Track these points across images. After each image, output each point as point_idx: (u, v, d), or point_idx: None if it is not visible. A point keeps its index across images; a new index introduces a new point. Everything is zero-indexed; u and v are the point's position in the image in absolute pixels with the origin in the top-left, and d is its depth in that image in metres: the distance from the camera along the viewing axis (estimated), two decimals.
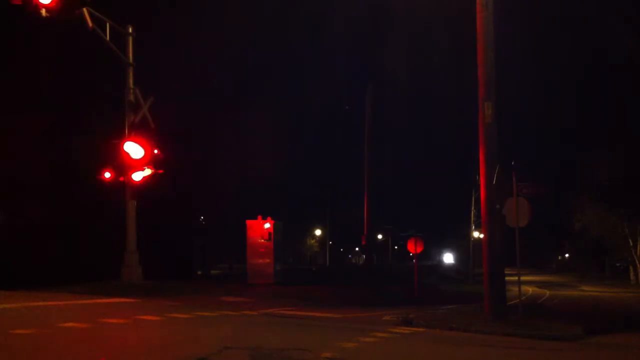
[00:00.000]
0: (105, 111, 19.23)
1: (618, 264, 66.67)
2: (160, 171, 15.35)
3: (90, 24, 14.44)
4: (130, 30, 16.82)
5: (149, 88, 17.34)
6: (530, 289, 41.85)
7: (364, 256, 37.51)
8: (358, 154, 33.15)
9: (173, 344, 7.19)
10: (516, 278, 13.54)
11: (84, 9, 13.91)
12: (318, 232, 71.45)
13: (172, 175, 15.84)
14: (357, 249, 79.32)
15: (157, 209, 21.95)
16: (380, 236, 79.46)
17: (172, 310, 10.30)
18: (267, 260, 22.71)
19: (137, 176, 15.33)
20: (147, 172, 15.22)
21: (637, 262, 50.18)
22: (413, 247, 27.60)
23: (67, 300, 11.28)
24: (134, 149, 14.92)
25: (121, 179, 15.63)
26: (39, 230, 20.61)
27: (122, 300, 12.32)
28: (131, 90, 16.69)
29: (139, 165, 15.03)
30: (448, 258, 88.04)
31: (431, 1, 24.17)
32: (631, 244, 49.52)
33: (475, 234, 51.33)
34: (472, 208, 50.99)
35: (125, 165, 15.25)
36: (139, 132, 15.71)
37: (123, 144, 15.23)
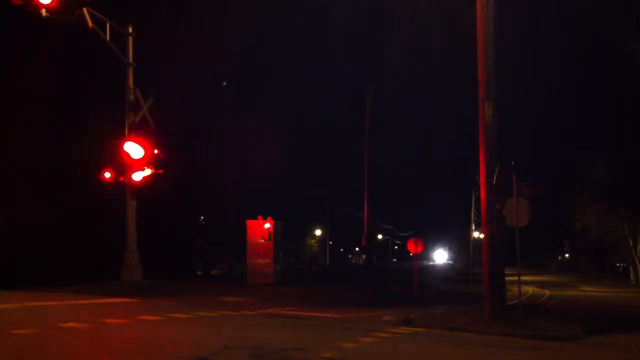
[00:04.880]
0: (105, 111, 19.24)
1: (618, 264, 66.71)
2: (160, 171, 15.35)
3: (90, 24, 14.44)
4: (130, 30, 16.82)
5: (149, 88, 17.34)
6: (530, 289, 41.86)
7: (364, 256, 37.51)
8: (358, 154, 33.18)
9: (173, 344, 7.19)
10: (516, 278, 13.53)
11: (84, 9, 13.90)
12: (318, 232, 71.47)
13: (172, 175, 15.84)
14: (357, 249, 79.31)
15: (157, 209, 21.96)
16: (380, 236, 79.57)
17: (172, 310, 10.30)
18: (267, 260, 22.69)
19: (137, 176, 15.34)
20: (147, 172, 15.22)
21: (637, 262, 50.19)
22: (413, 247, 27.60)
23: (67, 300, 11.28)
24: (134, 149, 14.93)
25: (121, 179, 15.63)
26: (39, 230, 20.61)
27: (122, 300, 12.32)
28: (131, 90, 16.69)
29: (139, 165, 15.04)
30: (441, 256, 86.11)
31: (431, 1, 24.18)
32: (631, 244, 49.54)
33: (475, 234, 51.32)
34: (472, 208, 50.98)
35: (125, 165, 15.25)
36: (139, 132, 15.71)
37: (123, 144, 15.23)
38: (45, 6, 12.58)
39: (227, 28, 30.49)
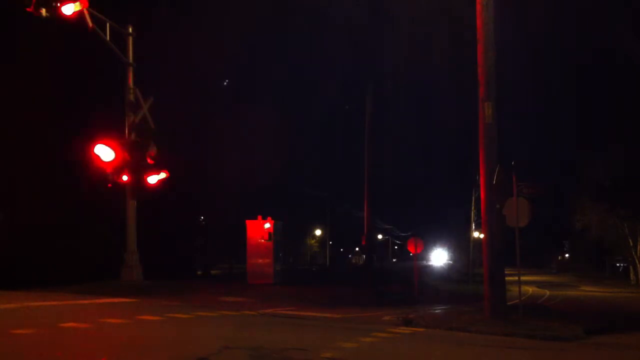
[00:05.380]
0: (105, 111, 19.24)
1: (618, 264, 66.73)
2: (165, 171, 15.24)
3: (90, 24, 14.42)
4: (130, 30, 16.81)
5: (149, 88, 17.33)
6: (530, 289, 41.85)
7: (364, 256, 37.51)
8: (358, 154, 33.20)
9: (173, 344, 7.19)
10: (516, 278, 13.53)
11: (84, 9, 13.89)
12: (318, 232, 71.40)
13: (172, 175, 15.79)
14: (357, 249, 79.23)
15: (157, 209, 21.95)
16: (380, 236, 79.51)
17: (172, 310, 10.30)
18: (267, 260, 22.67)
19: (138, 177, 15.25)
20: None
21: (637, 262, 50.19)
22: (413, 247, 27.58)
23: (67, 300, 11.28)
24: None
25: (121, 179, 15.56)
26: (39, 230, 20.60)
27: (122, 300, 12.32)
28: (131, 90, 16.67)
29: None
30: (441, 256, 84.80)
31: (431, 1, 24.20)
32: (631, 244, 49.53)
33: (475, 234, 51.33)
34: (472, 208, 50.99)
35: (125, 166, 15.18)
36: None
37: (124, 144, 15.19)
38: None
39: (227, 28, 30.49)
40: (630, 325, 14.06)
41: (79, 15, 13.61)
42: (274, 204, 36.43)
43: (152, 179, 15.15)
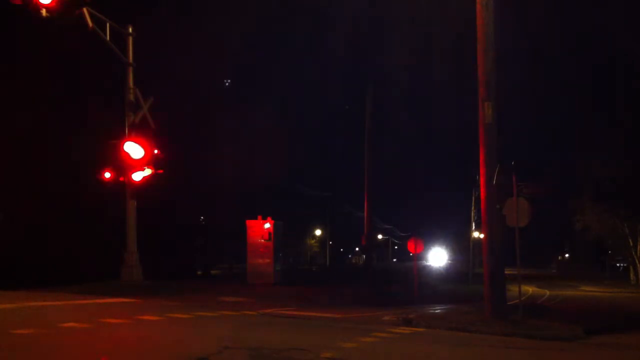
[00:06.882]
0: (105, 111, 19.25)
1: (618, 264, 66.77)
2: (161, 171, 15.34)
3: (90, 24, 14.43)
4: (130, 30, 16.82)
5: (149, 88, 17.34)
6: (530, 289, 41.81)
7: (364, 256, 37.53)
8: (358, 154, 33.21)
9: (173, 344, 7.19)
10: (516, 278, 13.53)
11: (84, 9, 13.90)
12: (318, 232, 71.42)
13: (172, 175, 15.83)
14: (357, 249, 79.26)
15: (157, 209, 21.96)
16: (380, 236, 79.55)
17: (172, 310, 10.30)
18: (267, 260, 22.67)
19: (137, 176, 15.34)
20: (147, 172, 15.22)
21: (637, 262, 50.17)
22: (413, 247, 27.59)
23: (67, 300, 11.28)
24: (133, 149, 14.93)
25: (121, 179, 15.62)
26: (39, 231, 20.60)
27: (122, 300, 12.32)
28: (131, 90, 16.68)
29: (139, 165, 15.03)
30: (441, 256, 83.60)
31: (431, 1, 24.20)
32: (631, 244, 49.51)
33: (475, 234, 51.29)
34: (472, 208, 50.97)
35: (125, 165, 15.24)
36: (139, 132, 15.70)
37: (123, 144, 15.23)
38: (45, 6, 12.58)
39: (227, 28, 30.51)
40: (630, 325, 14.06)
41: (79, 15, 13.63)
42: (274, 204, 36.45)
43: (149, 178, 15.25)
